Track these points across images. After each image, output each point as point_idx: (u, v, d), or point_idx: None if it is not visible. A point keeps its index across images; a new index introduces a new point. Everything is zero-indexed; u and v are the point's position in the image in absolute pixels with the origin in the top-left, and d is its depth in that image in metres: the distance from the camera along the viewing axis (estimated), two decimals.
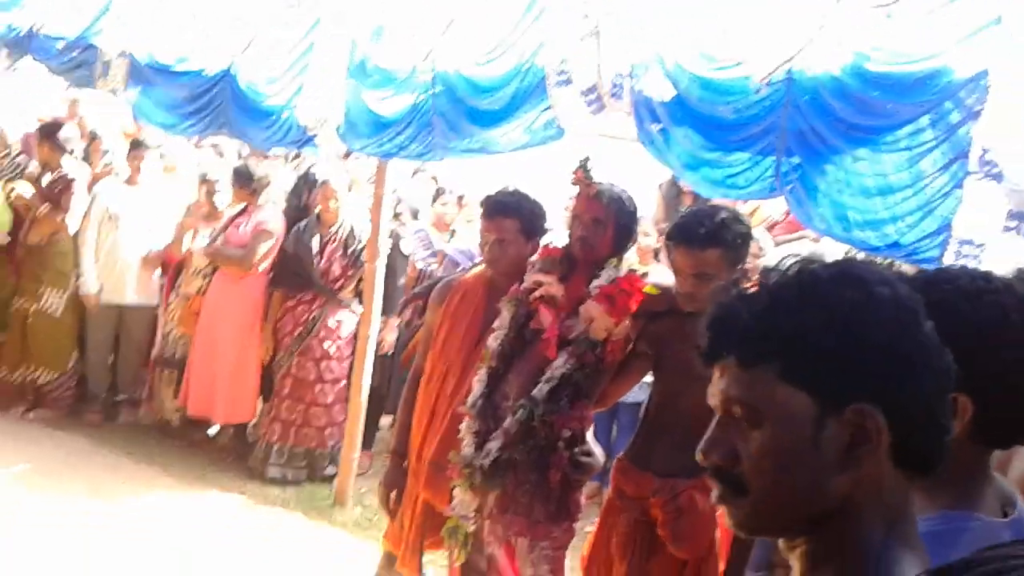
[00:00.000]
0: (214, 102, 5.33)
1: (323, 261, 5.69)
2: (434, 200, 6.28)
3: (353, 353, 5.66)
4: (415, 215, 6.26)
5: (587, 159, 3.24)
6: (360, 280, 5.65)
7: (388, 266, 5.60)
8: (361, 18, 4.58)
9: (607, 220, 3.19)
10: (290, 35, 4.88)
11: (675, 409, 3.06)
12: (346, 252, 5.69)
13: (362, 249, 5.59)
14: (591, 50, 3.91)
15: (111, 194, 6.29)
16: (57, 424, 6.40)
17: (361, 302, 5.65)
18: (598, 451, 3.30)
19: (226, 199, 6.19)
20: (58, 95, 7.89)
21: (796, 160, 3.60)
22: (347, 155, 6.63)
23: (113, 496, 5.35)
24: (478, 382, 3.28)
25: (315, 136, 5.09)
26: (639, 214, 3.48)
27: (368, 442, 6.10)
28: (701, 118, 3.77)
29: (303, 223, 5.77)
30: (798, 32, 3.45)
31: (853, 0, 3.31)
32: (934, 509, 1.35)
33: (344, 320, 5.76)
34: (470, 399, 3.28)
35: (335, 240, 5.69)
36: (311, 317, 5.73)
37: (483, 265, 3.66)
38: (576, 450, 3.17)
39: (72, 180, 6.28)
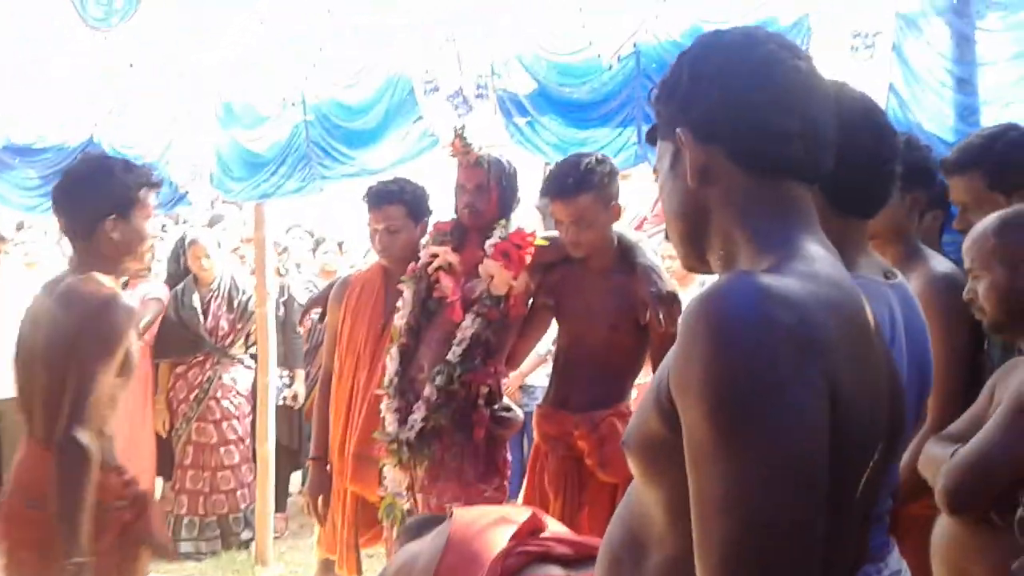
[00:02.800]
0: None
1: (209, 319, 5.67)
2: (314, 251, 6.37)
3: (254, 409, 5.62)
4: (298, 268, 6.33)
5: (463, 127, 3.41)
6: (250, 333, 5.66)
7: (286, 319, 5.66)
8: (226, 64, 4.72)
9: (490, 185, 3.33)
10: (155, 92, 4.95)
11: (581, 350, 3.25)
12: (232, 306, 5.69)
13: (248, 300, 5.61)
14: (452, 56, 4.19)
15: None
16: None
17: (254, 356, 5.65)
18: (516, 409, 3.43)
19: None
20: None
21: None
22: (211, 223, 6.65)
23: None
24: (391, 361, 3.33)
25: (187, 193, 5.17)
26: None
27: (281, 504, 6.03)
28: (562, 103, 4.10)
29: (180, 286, 5.75)
30: (638, 9, 3.84)
31: None
32: None
33: (239, 376, 5.72)
34: (386, 379, 3.33)
35: (218, 296, 5.69)
36: (205, 379, 5.66)
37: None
38: (496, 406, 3.29)
39: None
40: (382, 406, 3.32)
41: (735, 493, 0.98)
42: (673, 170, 1.23)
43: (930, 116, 3.24)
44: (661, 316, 2.96)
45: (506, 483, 3.37)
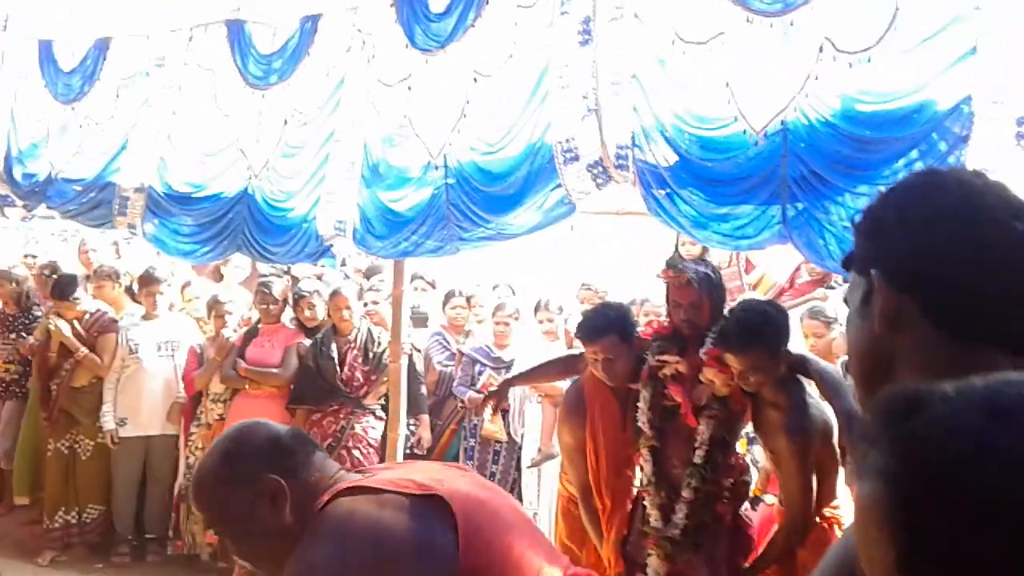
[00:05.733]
0: (232, 224, 5.54)
1: (345, 369, 5.78)
2: (444, 305, 6.43)
3: (383, 460, 5.68)
4: (425, 322, 6.41)
5: (672, 257, 3.96)
6: (383, 384, 5.74)
7: (411, 367, 5.72)
8: (374, 125, 4.84)
9: (702, 300, 3.67)
10: (306, 150, 5.12)
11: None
12: (367, 358, 5.79)
13: (382, 352, 5.70)
14: (593, 127, 4.17)
15: (130, 329, 6.42)
16: (84, 568, 6.36)
17: (384, 407, 5.73)
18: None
19: (235, 322, 6.31)
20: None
21: (801, 205, 3.81)
22: (368, 274, 6.84)
23: None
24: (645, 462, 3.70)
25: (331, 246, 5.30)
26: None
27: None
28: (704, 176, 4.01)
29: (320, 335, 5.90)
30: (787, 85, 3.73)
31: (835, 49, 3.58)
32: None
33: (371, 426, 5.81)
34: (644, 477, 3.71)
35: (354, 347, 5.80)
36: (338, 427, 5.77)
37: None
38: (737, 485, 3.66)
39: (113, 320, 6.41)
40: (645, 502, 3.69)
41: None
42: (863, 308, 1.17)
43: None
44: None
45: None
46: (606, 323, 3.77)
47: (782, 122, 3.75)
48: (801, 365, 3.44)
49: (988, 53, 3.29)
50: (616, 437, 3.81)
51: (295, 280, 6.66)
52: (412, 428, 5.95)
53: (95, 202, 6.07)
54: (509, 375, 5.21)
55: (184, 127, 5.67)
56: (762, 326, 3.36)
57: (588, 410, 3.84)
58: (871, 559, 0.78)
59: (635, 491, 3.80)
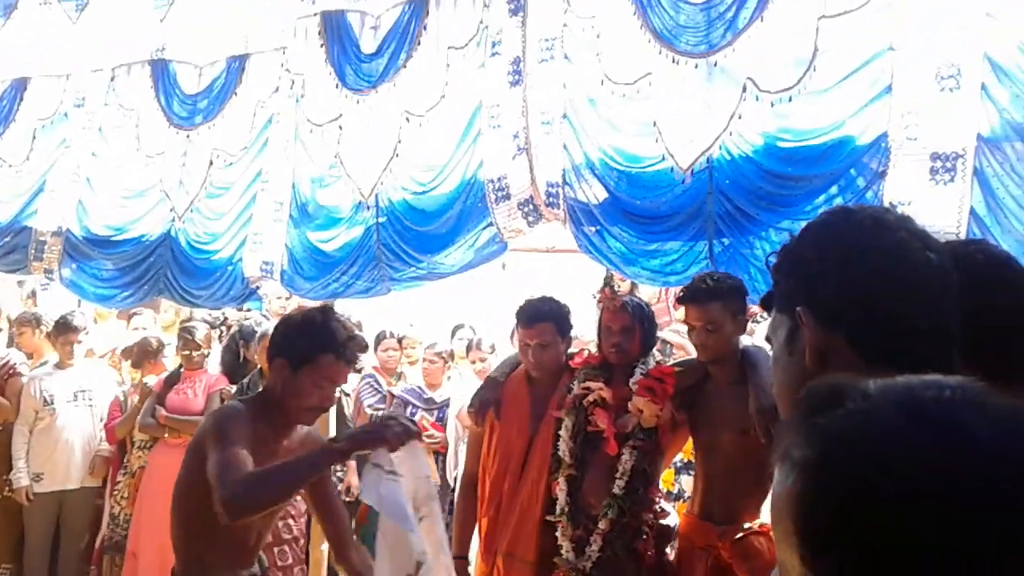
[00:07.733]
0: (154, 267, 5.43)
1: None
2: (375, 347, 6.36)
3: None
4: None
5: (611, 277, 3.89)
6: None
7: (339, 412, 5.63)
8: (303, 165, 4.81)
9: (633, 326, 3.66)
10: (232, 191, 5.07)
11: (716, 458, 3.46)
12: None
13: None
14: (524, 165, 4.22)
15: (43, 379, 6.20)
16: None
17: None
18: (669, 509, 3.75)
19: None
20: None
21: (727, 241, 3.91)
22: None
23: None
24: (561, 491, 3.62)
25: (258, 288, 5.23)
26: None
27: None
28: (633, 213, 4.09)
29: (247, 379, 5.76)
30: (712, 124, 3.83)
31: (758, 89, 3.70)
32: None
33: None
34: (558, 507, 3.61)
35: None
36: None
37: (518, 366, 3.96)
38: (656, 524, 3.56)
39: (15, 365, 6.19)
40: (558, 533, 3.60)
41: None
42: (789, 345, 1.21)
43: (1015, 244, 3.16)
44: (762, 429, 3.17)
45: None
46: (546, 310, 3.77)
47: (708, 160, 3.84)
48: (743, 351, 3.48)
49: (903, 91, 3.44)
50: (510, 428, 3.78)
51: (230, 327, 6.54)
52: (340, 475, 5.85)
53: (10, 247, 5.91)
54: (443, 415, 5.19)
55: (105, 169, 5.56)
56: (726, 280, 3.41)
57: (499, 397, 3.84)
58: (784, 549, 0.77)
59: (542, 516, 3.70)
